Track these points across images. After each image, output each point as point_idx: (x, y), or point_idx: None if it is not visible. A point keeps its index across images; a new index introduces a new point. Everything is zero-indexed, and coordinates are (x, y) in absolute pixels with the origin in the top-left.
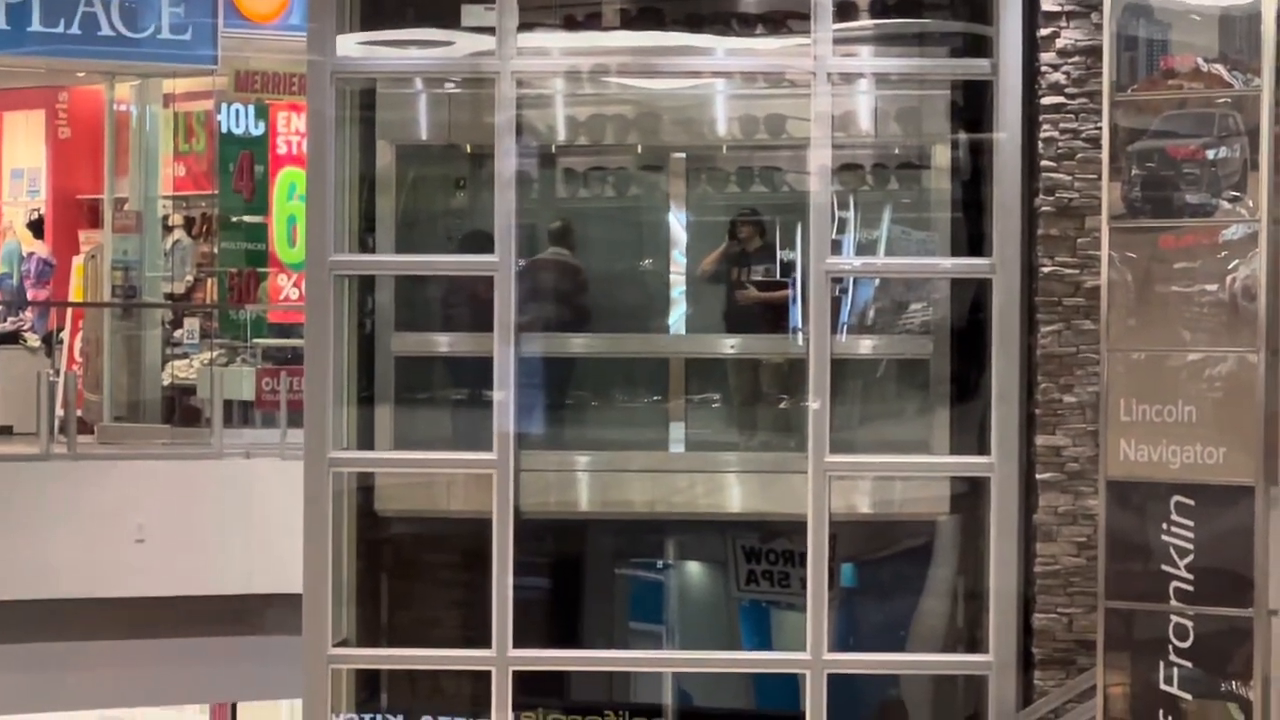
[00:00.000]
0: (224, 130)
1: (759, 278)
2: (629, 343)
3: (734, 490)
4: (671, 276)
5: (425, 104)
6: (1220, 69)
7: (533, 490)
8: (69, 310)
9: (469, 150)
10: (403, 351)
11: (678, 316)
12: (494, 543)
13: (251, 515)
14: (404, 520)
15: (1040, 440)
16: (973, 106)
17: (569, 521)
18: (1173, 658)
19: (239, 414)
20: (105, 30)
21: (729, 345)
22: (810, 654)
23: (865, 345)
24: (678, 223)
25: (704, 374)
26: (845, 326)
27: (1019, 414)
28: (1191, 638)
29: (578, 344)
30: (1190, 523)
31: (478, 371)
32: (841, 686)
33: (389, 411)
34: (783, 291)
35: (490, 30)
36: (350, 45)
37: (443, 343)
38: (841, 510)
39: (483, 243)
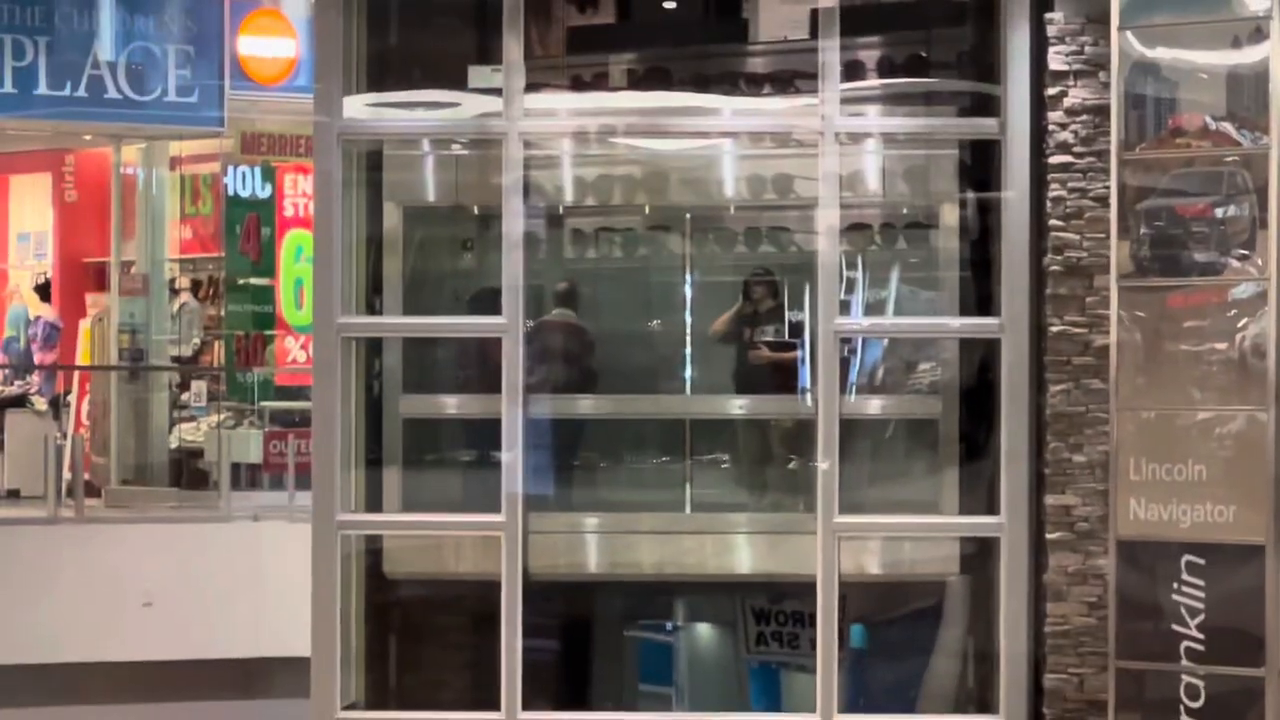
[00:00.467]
0: (231, 193)
1: (770, 338)
2: (637, 404)
3: (743, 551)
4: (680, 336)
5: (432, 165)
6: (1228, 127)
7: (541, 551)
8: (76, 373)
9: (476, 211)
10: (410, 414)
11: (686, 377)
12: (503, 604)
13: (259, 578)
14: (412, 583)
15: (1050, 500)
16: (981, 166)
17: (577, 583)
18: (1184, 718)
19: (246, 477)
20: (112, 93)
21: (738, 406)
22: (820, 715)
23: (874, 405)
24: (686, 283)
25: (713, 434)
26: (854, 386)
27: (1028, 473)
28: (1203, 698)
29: (585, 405)
30: (1201, 582)
31: (486, 433)
32: None
33: (397, 473)
34: (793, 353)
35: (497, 91)
36: (357, 107)
37: (451, 404)
38: (851, 571)
39: (492, 299)
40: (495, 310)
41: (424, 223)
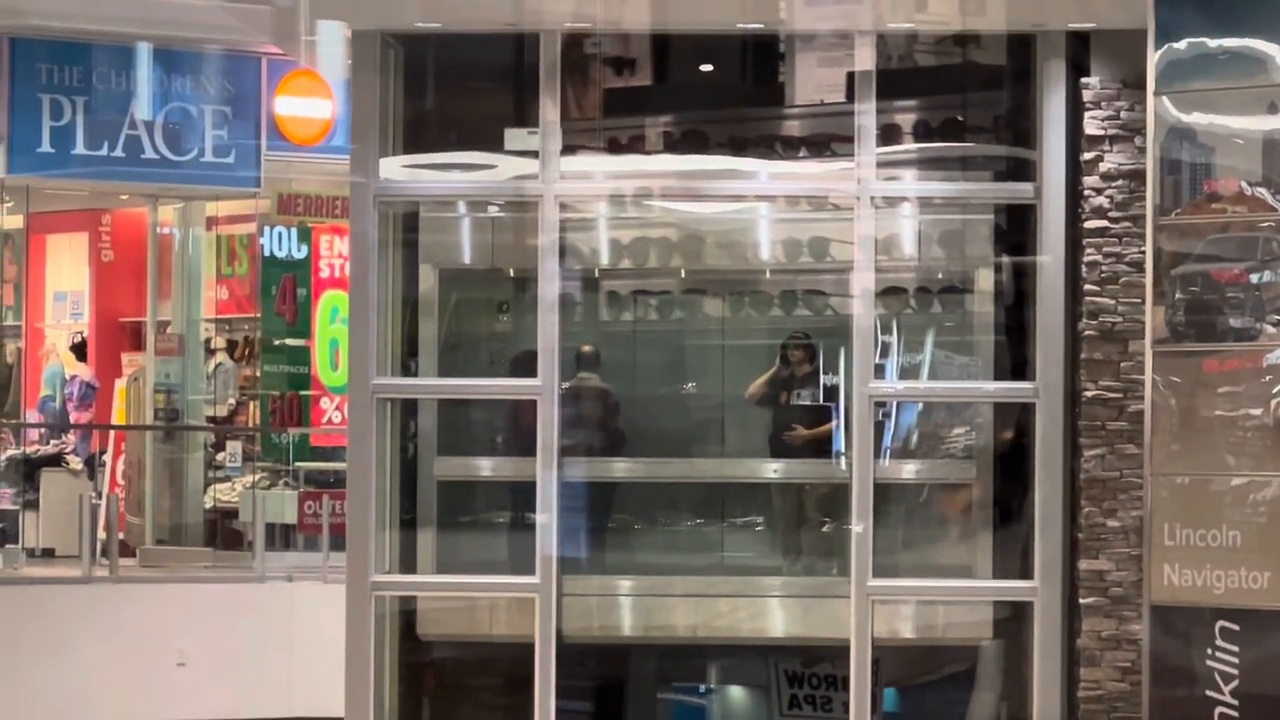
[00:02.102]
0: (266, 253)
1: (806, 402)
2: (670, 467)
3: (776, 614)
4: (716, 399)
5: (468, 227)
6: (1264, 193)
7: (575, 614)
8: (111, 433)
9: (512, 274)
10: (445, 476)
11: (721, 439)
12: (536, 666)
13: (293, 638)
14: (446, 644)
15: (1083, 564)
16: (1016, 230)
17: (611, 645)
18: None
19: (281, 537)
20: (149, 153)
21: (772, 470)
22: None
23: (909, 470)
24: (721, 345)
25: (747, 497)
26: (889, 451)
27: (1062, 538)
28: None
29: (617, 468)
30: (1235, 648)
31: (519, 494)
32: None
33: (431, 535)
34: (828, 425)
35: (534, 154)
36: (393, 168)
37: (485, 467)
38: (885, 635)
39: (530, 362)
40: (534, 372)
41: (460, 284)
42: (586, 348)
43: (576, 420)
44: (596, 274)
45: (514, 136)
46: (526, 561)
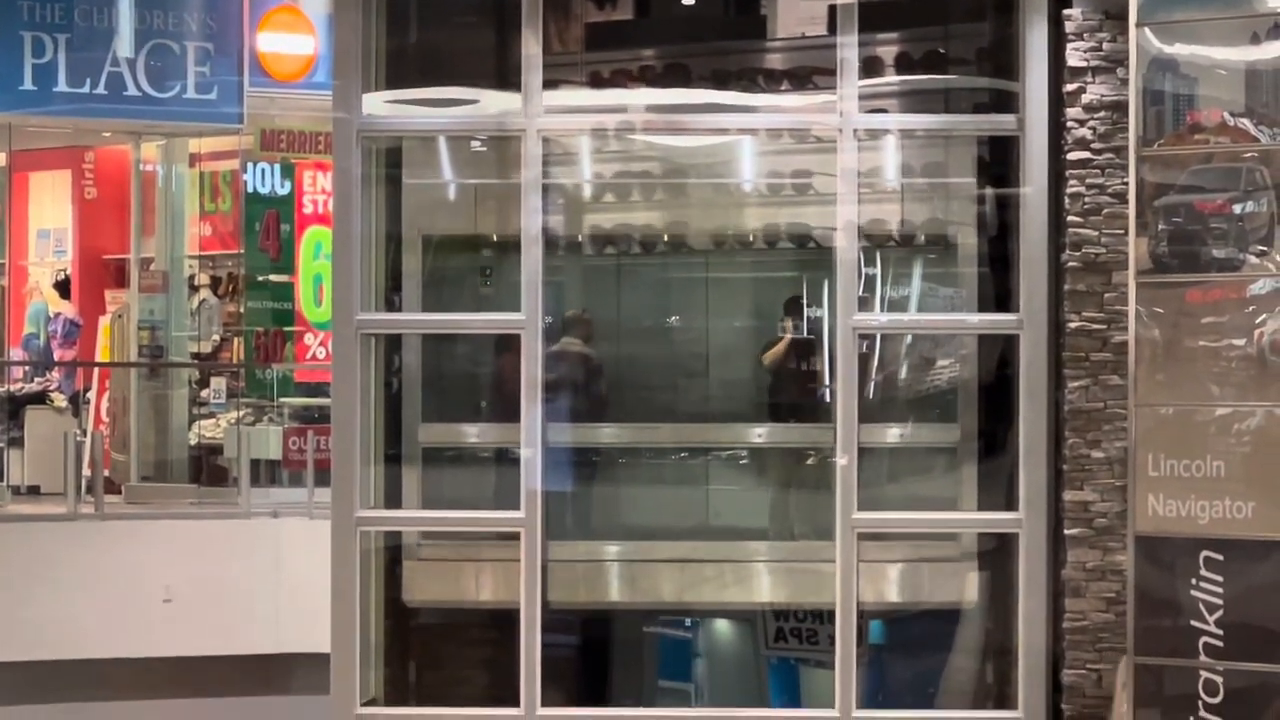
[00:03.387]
0: (250, 189)
1: (817, 369)
2: (657, 433)
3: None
4: (700, 333)
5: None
6: (1247, 123)
7: (560, 582)
8: (96, 370)
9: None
10: (430, 442)
11: (705, 374)
12: (522, 601)
13: (279, 574)
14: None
15: (1068, 496)
16: (999, 162)
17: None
18: (1203, 713)
19: (266, 473)
20: (131, 90)
21: (757, 434)
22: (839, 711)
23: (892, 401)
24: (705, 279)
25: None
26: (875, 385)
27: (1046, 470)
28: (1222, 693)
29: (604, 434)
30: (1219, 578)
31: (505, 431)
32: None
33: (416, 470)
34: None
35: (516, 89)
36: (376, 104)
37: (471, 433)
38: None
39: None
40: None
41: (443, 218)
42: (569, 313)
43: (558, 384)
44: (579, 208)
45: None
46: (513, 497)
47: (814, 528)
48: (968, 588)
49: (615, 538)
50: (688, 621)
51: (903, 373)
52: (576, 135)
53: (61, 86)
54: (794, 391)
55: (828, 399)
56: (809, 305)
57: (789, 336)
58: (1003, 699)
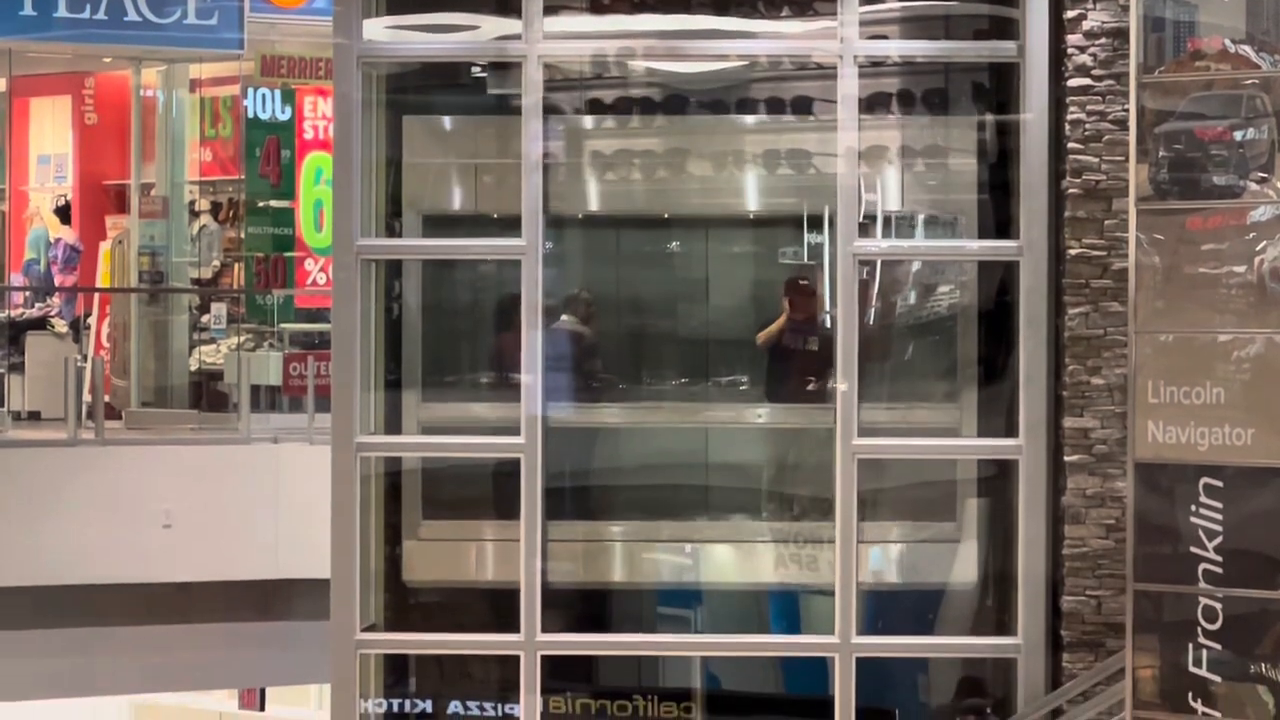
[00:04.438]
0: (250, 115)
1: (814, 348)
2: (657, 412)
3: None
4: (699, 257)
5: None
6: (1248, 50)
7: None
8: (96, 296)
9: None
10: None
11: (705, 300)
12: (522, 529)
13: (279, 500)
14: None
15: (1068, 423)
16: (999, 89)
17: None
18: (1202, 640)
19: (266, 399)
20: (131, 15)
21: (758, 414)
22: (838, 637)
23: (894, 331)
24: (703, 205)
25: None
26: (875, 311)
27: (1047, 396)
28: (1221, 620)
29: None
30: (1219, 505)
31: (506, 357)
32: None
33: (416, 396)
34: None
35: (517, 14)
36: (376, 29)
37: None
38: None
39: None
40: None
41: (444, 145)
42: (572, 292)
43: (555, 364)
44: (580, 133)
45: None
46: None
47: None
48: (966, 517)
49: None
50: (687, 548)
51: (902, 300)
52: (576, 60)
53: (62, 12)
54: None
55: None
56: (809, 231)
57: (785, 316)
58: (1002, 626)
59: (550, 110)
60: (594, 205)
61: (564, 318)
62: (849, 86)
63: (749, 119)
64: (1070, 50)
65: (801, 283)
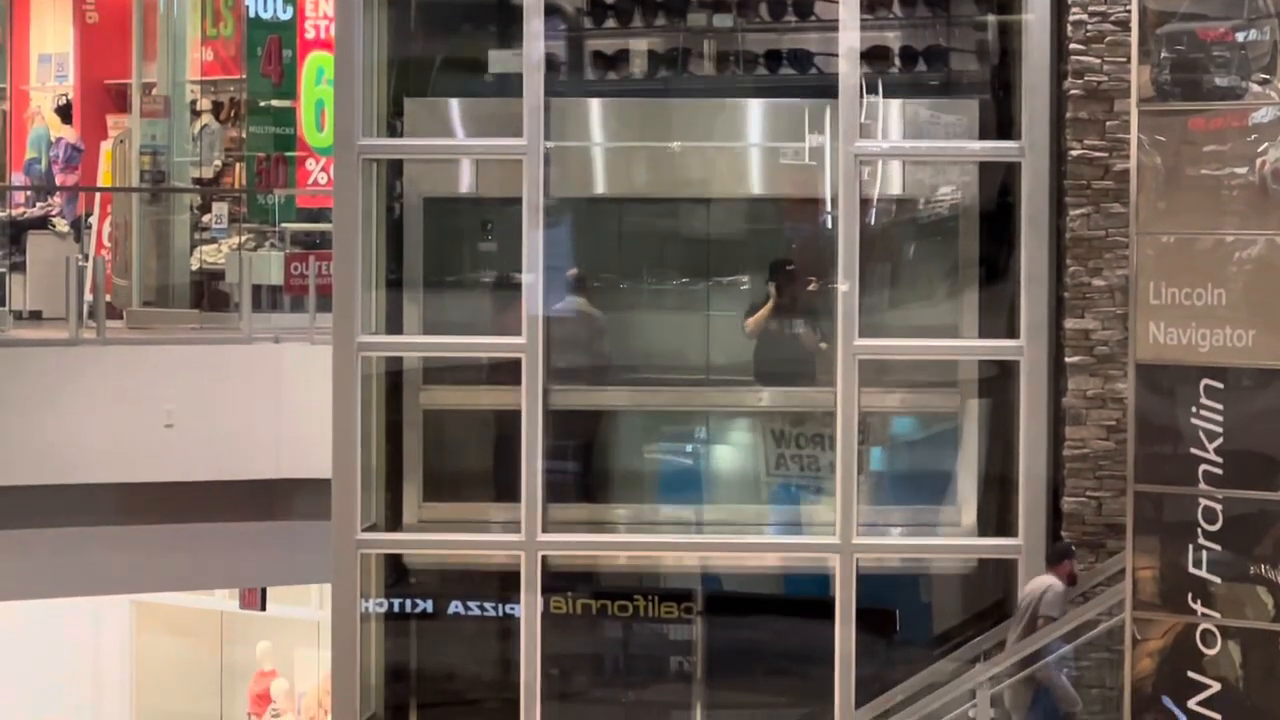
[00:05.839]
0: (252, 15)
1: (800, 330)
2: (662, 397)
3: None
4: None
5: None
6: None
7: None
8: (98, 195)
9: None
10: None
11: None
12: (523, 428)
13: (280, 400)
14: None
15: (1069, 324)
16: None
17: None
18: (1202, 541)
19: (267, 298)
20: None
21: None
22: (839, 537)
23: (894, 231)
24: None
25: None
26: (876, 211)
27: (1048, 297)
28: (1220, 521)
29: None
30: (1219, 406)
31: (506, 258)
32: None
33: (418, 296)
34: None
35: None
36: None
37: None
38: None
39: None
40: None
41: (445, 45)
42: (573, 271)
43: (562, 345)
44: (581, 33)
45: (498, 59)
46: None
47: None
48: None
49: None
50: (689, 447)
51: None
52: None
53: None
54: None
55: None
56: (811, 131)
57: (773, 301)
58: (1003, 527)
59: (551, 10)
60: (595, 106)
61: (569, 298)
62: None
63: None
64: None
65: (788, 268)
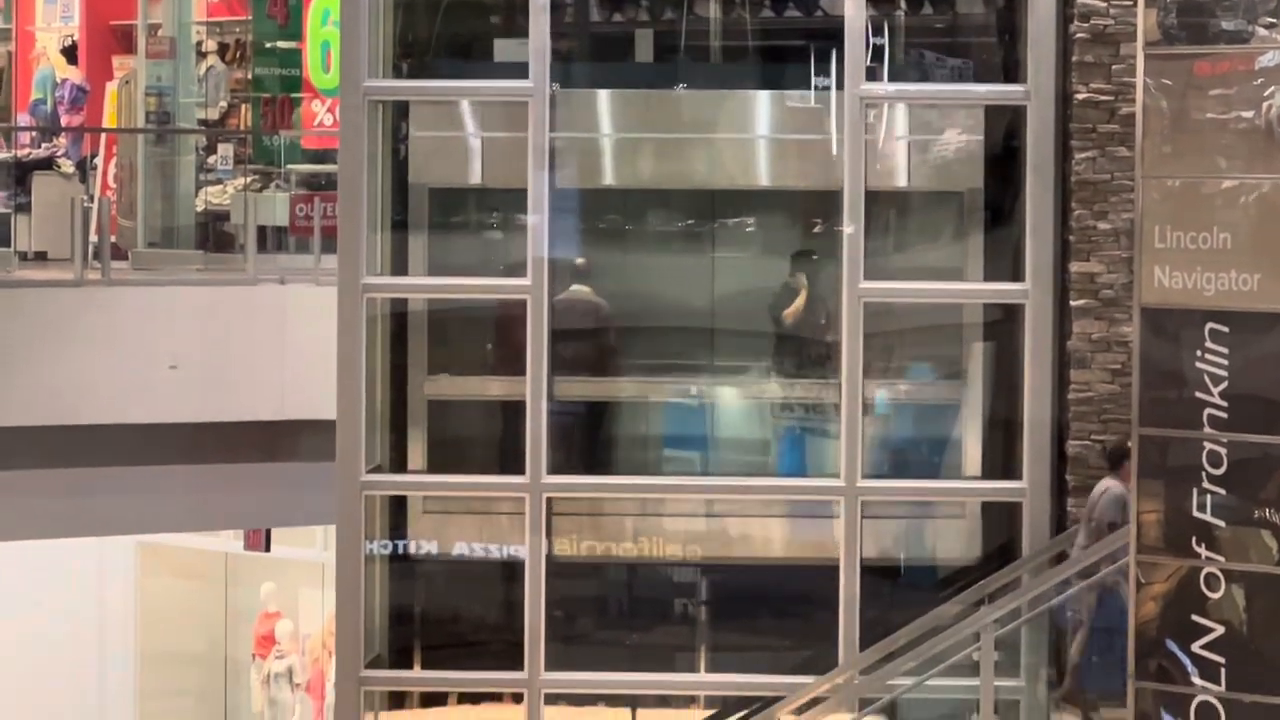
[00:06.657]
0: None
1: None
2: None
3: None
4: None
5: None
6: None
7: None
8: (103, 136)
9: None
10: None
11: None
12: (528, 375)
13: (285, 341)
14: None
15: (1074, 267)
16: None
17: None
18: (1206, 485)
19: (273, 240)
20: None
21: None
22: (844, 480)
23: (899, 176)
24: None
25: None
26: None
27: (1053, 241)
28: (1225, 465)
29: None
30: (1224, 349)
31: (512, 201)
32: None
33: (423, 238)
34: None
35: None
36: None
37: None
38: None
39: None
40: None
41: None
42: (579, 260)
43: (566, 334)
44: None
45: (504, 48)
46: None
47: None
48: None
49: None
50: (693, 389)
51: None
52: None
53: None
54: None
55: None
56: (816, 75)
57: (804, 294)
58: (1008, 470)
59: None
60: (603, 45)
61: (574, 287)
62: None
63: None
64: None
65: (814, 257)
